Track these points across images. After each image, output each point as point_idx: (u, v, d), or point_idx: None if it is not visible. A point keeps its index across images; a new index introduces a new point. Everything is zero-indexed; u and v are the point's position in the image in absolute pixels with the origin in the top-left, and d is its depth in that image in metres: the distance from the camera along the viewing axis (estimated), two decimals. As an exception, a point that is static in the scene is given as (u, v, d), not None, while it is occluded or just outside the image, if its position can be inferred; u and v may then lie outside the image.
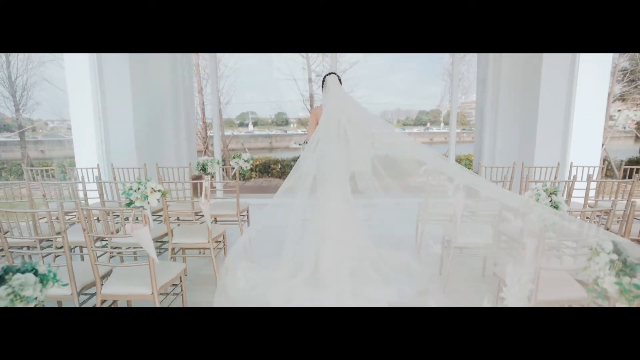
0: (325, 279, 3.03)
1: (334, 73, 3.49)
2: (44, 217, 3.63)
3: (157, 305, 2.43)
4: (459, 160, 9.50)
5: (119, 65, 5.46)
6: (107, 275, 2.62)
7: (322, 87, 3.54)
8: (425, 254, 3.86)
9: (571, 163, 4.70)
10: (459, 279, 3.42)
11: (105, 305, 2.58)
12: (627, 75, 10.72)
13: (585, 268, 1.52)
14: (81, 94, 5.45)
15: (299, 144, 5.07)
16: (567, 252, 2.28)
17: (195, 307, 2.95)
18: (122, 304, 2.83)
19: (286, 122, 14.85)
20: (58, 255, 3.23)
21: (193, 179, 4.40)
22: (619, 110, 11.68)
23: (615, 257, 1.41)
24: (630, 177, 3.79)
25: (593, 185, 3.87)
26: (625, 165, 4.36)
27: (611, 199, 3.89)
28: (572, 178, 3.87)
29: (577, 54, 5.11)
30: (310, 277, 3.09)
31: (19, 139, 10.79)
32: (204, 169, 3.84)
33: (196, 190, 4.00)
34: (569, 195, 3.73)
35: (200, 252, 4.07)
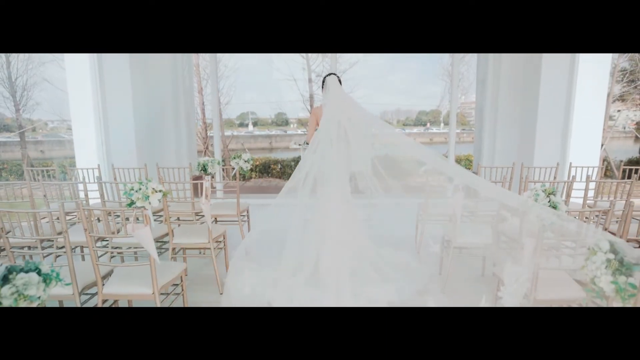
0: (325, 279, 3.04)
1: (334, 74, 3.50)
2: (45, 217, 3.63)
3: (158, 305, 2.44)
4: (458, 160, 9.51)
5: (120, 65, 5.47)
6: (108, 275, 2.63)
7: (322, 87, 3.55)
8: (425, 254, 3.86)
9: (570, 163, 4.71)
10: (458, 278, 3.43)
11: (106, 305, 2.59)
12: (627, 75, 10.74)
13: (582, 267, 1.53)
14: (81, 94, 5.46)
15: (299, 144, 5.08)
16: (566, 252, 2.28)
17: (197, 307, 2.96)
18: (123, 303, 2.84)
19: (286, 123, 14.86)
20: (59, 255, 3.24)
21: (193, 179, 4.41)
22: (619, 111, 11.70)
23: (611, 256, 1.43)
24: (629, 178, 3.80)
25: (592, 185, 3.88)
26: (625, 165, 4.37)
27: (610, 199, 3.89)
28: (571, 178, 3.88)
29: (577, 54, 5.11)
30: (310, 276, 3.10)
31: (19, 139, 10.80)
32: (204, 169, 3.84)
33: (196, 190, 4.01)
34: (568, 196, 3.74)
35: (200, 252, 4.07)
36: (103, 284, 2.46)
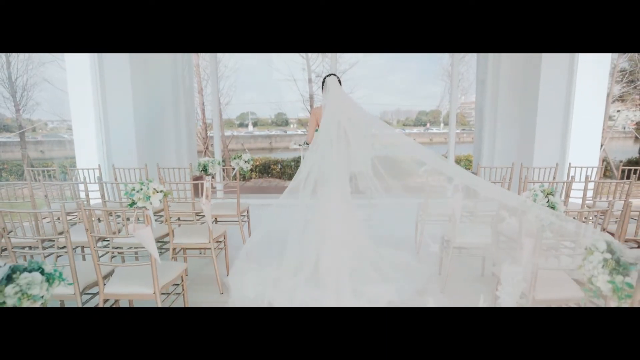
0: (325, 279, 3.05)
1: (334, 74, 3.51)
2: (46, 218, 3.64)
3: (159, 304, 2.44)
4: (458, 160, 9.51)
5: (120, 65, 5.48)
6: (109, 275, 2.63)
7: (322, 88, 3.57)
8: (424, 254, 3.87)
9: (569, 164, 4.72)
10: (458, 278, 3.44)
11: (107, 304, 2.59)
12: (627, 76, 10.74)
13: (580, 267, 1.54)
14: (82, 94, 5.47)
15: (299, 145, 5.09)
16: (565, 252, 2.29)
17: (198, 307, 2.97)
18: (124, 303, 2.84)
19: (286, 123, 14.87)
20: (60, 255, 3.24)
21: (193, 180, 4.42)
22: (618, 111, 11.71)
23: (608, 256, 1.43)
24: (628, 178, 3.81)
25: (592, 185, 3.89)
26: (624, 165, 4.37)
27: (609, 199, 3.90)
28: (570, 179, 3.89)
29: (576, 54, 5.12)
30: (310, 276, 3.11)
31: (19, 140, 10.80)
32: (205, 169, 3.85)
33: (197, 190, 4.02)
34: (567, 196, 3.74)
35: (201, 252, 4.08)
36: (104, 284, 2.47)
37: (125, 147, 5.64)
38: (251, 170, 9.79)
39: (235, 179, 4.29)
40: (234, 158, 4.31)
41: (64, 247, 2.33)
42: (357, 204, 3.44)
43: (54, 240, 2.68)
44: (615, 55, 9.82)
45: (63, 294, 2.38)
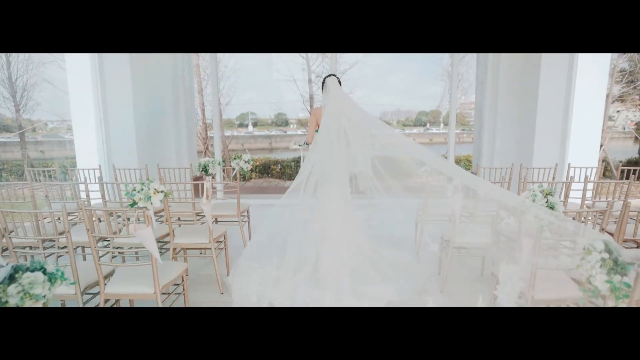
0: (325, 278, 3.06)
1: (334, 75, 3.53)
2: (46, 218, 3.65)
3: (160, 304, 2.45)
4: (458, 161, 9.53)
5: (120, 65, 5.48)
6: (109, 275, 2.64)
7: (322, 88, 3.58)
8: (424, 254, 3.88)
9: (569, 164, 4.72)
10: (457, 278, 3.45)
11: (108, 304, 2.60)
12: (626, 76, 10.75)
13: (578, 267, 1.54)
14: (82, 95, 5.47)
15: (299, 145, 5.10)
16: (564, 252, 2.29)
17: (198, 307, 2.98)
18: (124, 303, 2.85)
19: (286, 123, 14.88)
20: (60, 255, 3.25)
21: (194, 180, 4.42)
22: (618, 111, 11.72)
23: (606, 255, 1.44)
24: (627, 178, 3.81)
25: (591, 186, 3.89)
26: (624, 165, 4.38)
27: (608, 199, 3.91)
28: (569, 179, 3.89)
29: (576, 54, 5.13)
30: (310, 276, 3.12)
31: (19, 140, 10.80)
32: (205, 170, 3.85)
33: (197, 190, 4.02)
34: (566, 196, 3.75)
35: (201, 252, 4.09)
36: (105, 284, 2.47)
37: (125, 147, 5.65)
38: (251, 170, 9.80)
39: (236, 179, 4.29)
40: (234, 158, 4.32)
41: (65, 247, 2.34)
42: (357, 204, 3.45)
43: (54, 240, 2.68)
44: (615, 55, 9.83)
45: (64, 294, 2.38)
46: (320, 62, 11.74)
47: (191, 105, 6.89)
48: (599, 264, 1.44)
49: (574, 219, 2.39)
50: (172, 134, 6.42)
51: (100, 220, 3.59)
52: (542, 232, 2.06)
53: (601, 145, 6.68)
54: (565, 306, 2.18)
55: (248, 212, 4.64)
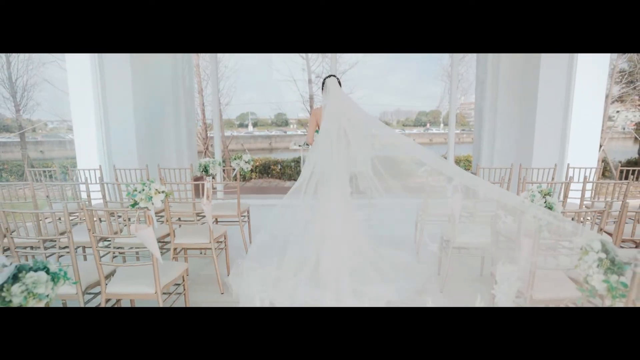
0: (325, 278, 3.06)
1: (334, 75, 3.53)
2: (47, 218, 3.65)
3: (161, 304, 2.46)
4: (458, 161, 9.53)
5: (120, 65, 5.49)
6: (110, 274, 2.65)
7: (322, 89, 3.59)
8: (424, 254, 3.88)
9: (568, 164, 4.73)
10: (457, 278, 3.45)
11: (109, 304, 2.60)
12: (626, 76, 10.76)
13: (576, 266, 1.55)
14: (82, 95, 5.48)
15: (299, 145, 5.11)
16: (563, 251, 2.30)
17: (199, 307, 2.98)
18: (125, 303, 2.85)
19: (286, 123, 14.89)
20: (61, 255, 3.25)
21: (194, 180, 4.43)
22: (618, 112, 11.72)
23: (603, 255, 1.45)
24: (626, 178, 3.82)
25: (590, 186, 3.90)
26: (623, 166, 4.39)
27: (607, 200, 3.91)
28: (568, 179, 3.90)
29: (575, 55, 5.14)
30: (310, 276, 3.12)
31: (19, 140, 10.81)
32: (205, 170, 3.86)
33: (197, 191, 4.03)
34: (565, 196, 3.75)
35: (201, 253, 4.09)
36: (106, 284, 2.48)
37: (125, 147, 5.65)
38: (251, 170, 9.80)
39: (236, 180, 4.30)
40: (235, 158, 4.32)
41: (66, 247, 2.34)
42: (357, 204, 3.45)
43: (55, 240, 2.69)
44: (615, 55, 9.83)
45: (65, 293, 2.39)
46: (320, 62, 11.76)
47: (191, 105, 6.90)
48: (596, 264, 1.44)
49: (572, 219, 2.39)
50: (172, 134, 6.43)
51: (101, 221, 3.59)
52: (541, 232, 2.07)
53: (600, 146, 6.69)
54: (563, 306, 2.18)
55: (248, 213, 4.65)
